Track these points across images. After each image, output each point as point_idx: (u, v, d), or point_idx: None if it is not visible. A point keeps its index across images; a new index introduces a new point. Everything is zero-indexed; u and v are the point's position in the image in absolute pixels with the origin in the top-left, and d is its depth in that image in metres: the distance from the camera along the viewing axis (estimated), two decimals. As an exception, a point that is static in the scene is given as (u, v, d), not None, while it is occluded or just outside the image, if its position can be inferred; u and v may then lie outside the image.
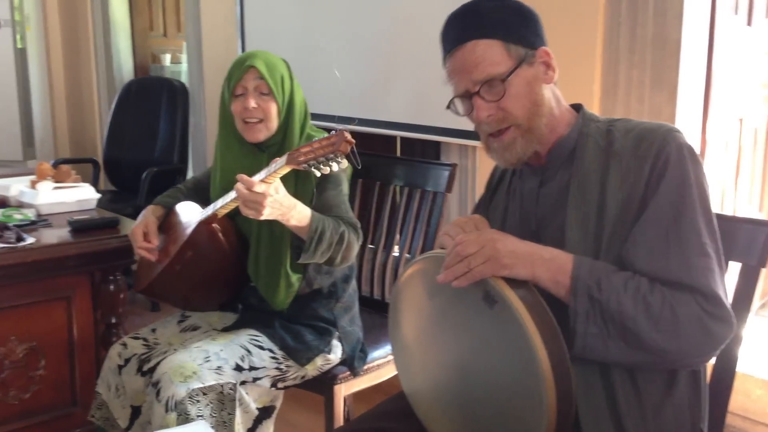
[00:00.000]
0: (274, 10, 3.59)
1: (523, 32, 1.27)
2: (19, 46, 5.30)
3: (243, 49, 3.84)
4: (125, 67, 5.28)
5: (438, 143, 3.10)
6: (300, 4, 3.44)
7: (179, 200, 2.07)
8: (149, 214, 2.00)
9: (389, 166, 2.32)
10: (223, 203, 1.82)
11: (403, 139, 3.31)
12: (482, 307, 1.17)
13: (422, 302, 1.29)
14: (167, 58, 5.37)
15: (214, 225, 1.86)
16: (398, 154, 3.33)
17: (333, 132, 1.61)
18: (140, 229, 1.96)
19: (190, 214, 1.96)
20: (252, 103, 1.86)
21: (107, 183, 4.24)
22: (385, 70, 3.13)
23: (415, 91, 3.02)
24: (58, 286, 2.17)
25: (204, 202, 2.10)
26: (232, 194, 1.75)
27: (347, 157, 1.61)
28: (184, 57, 5.22)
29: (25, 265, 2.05)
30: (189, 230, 1.88)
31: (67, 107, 5.52)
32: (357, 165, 1.63)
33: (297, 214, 1.71)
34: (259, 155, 1.92)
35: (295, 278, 1.87)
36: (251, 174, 1.73)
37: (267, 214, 1.66)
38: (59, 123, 5.49)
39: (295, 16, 3.47)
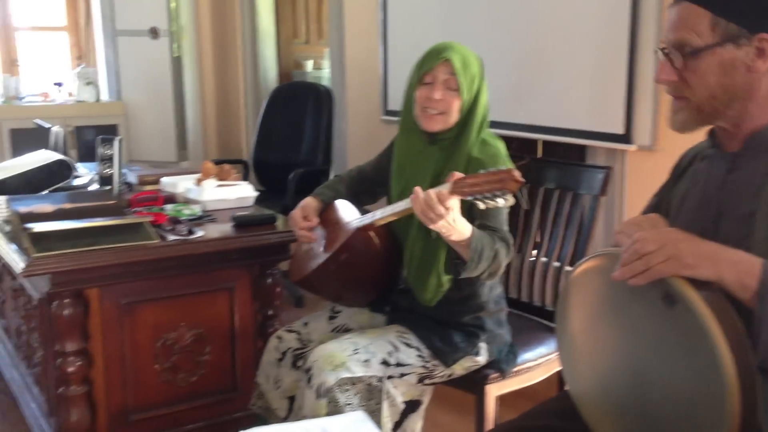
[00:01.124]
0: (418, 16, 3.65)
1: (746, 11, 1.19)
2: (175, 54, 5.65)
3: (385, 55, 3.93)
4: (270, 73, 5.53)
5: (583, 147, 3.05)
6: (443, 9, 3.49)
7: (339, 193, 2.13)
8: (307, 202, 2.09)
9: (540, 168, 2.31)
10: (392, 211, 1.82)
11: (544, 142, 3.28)
12: (660, 307, 1.14)
13: (595, 299, 1.28)
14: (309, 64, 5.58)
15: (371, 232, 1.89)
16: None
17: (501, 167, 1.60)
18: (300, 212, 2.05)
19: (348, 214, 2.02)
20: (437, 95, 1.86)
21: (255, 183, 4.45)
22: (528, 73, 3.12)
23: (560, 94, 2.99)
24: (223, 278, 2.31)
25: (365, 194, 2.18)
26: (400, 205, 1.77)
27: (514, 195, 1.58)
28: (325, 63, 5.40)
29: (195, 256, 2.20)
30: (346, 232, 1.93)
31: (216, 112, 5.85)
32: (525, 205, 1.62)
33: (458, 235, 1.70)
34: (429, 147, 1.93)
35: (445, 279, 1.88)
36: (418, 167, 1.75)
37: (434, 227, 1.68)
38: (209, 126, 5.82)
39: (438, 21, 3.52)
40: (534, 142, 3.28)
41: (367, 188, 2.18)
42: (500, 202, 1.58)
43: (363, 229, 1.90)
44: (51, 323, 2.12)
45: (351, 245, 1.90)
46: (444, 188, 1.63)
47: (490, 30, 3.23)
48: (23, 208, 2.23)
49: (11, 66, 5.79)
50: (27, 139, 5.07)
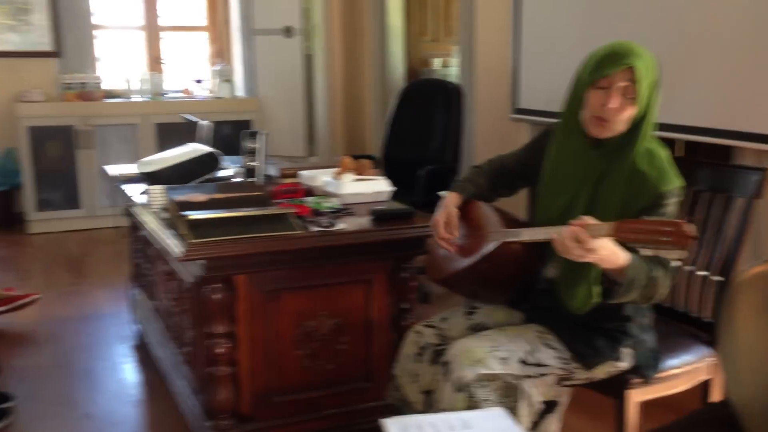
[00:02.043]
0: (555, 12, 3.59)
1: None
2: (307, 52, 5.83)
3: (516, 53, 3.90)
4: (397, 70, 5.60)
5: (727, 147, 2.92)
6: (583, 8, 3.42)
7: (480, 186, 2.11)
8: (450, 205, 2.08)
9: (689, 169, 2.23)
10: (544, 236, 1.74)
11: (686, 142, 3.16)
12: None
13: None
14: (437, 62, 5.60)
15: (516, 245, 1.86)
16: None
17: (671, 220, 1.53)
18: (442, 219, 2.06)
19: (492, 220, 1.99)
20: (614, 103, 1.73)
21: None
22: (670, 70, 3.00)
23: (705, 92, 2.87)
24: (361, 270, 2.37)
25: (505, 186, 2.15)
26: (554, 230, 1.68)
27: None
28: (453, 60, 5.41)
29: (336, 248, 2.27)
30: (490, 243, 1.90)
31: (344, 108, 5.98)
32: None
33: (610, 264, 1.64)
34: (590, 152, 1.84)
35: (596, 290, 1.80)
36: (575, 171, 1.73)
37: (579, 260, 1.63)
38: (337, 123, 5.97)
39: (577, 20, 3.45)
40: (671, 142, 3.16)
41: (507, 181, 2.15)
42: (663, 254, 1.50)
43: (508, 243, 1.87)
44: (202, 306, 2.25)
45: (494, 256, 1.88)
46: (602, 229, 1.57)
47: (631, 25, 3.14)
48: (179, 197, 2.38)
49: (156, 64, 6.16)
50: (171, 132, 5.39)
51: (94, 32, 5.84)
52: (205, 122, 3.19)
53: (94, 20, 5.81)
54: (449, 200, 2.10)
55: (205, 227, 2.17)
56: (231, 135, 4.84)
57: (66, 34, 5.60)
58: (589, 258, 1.61)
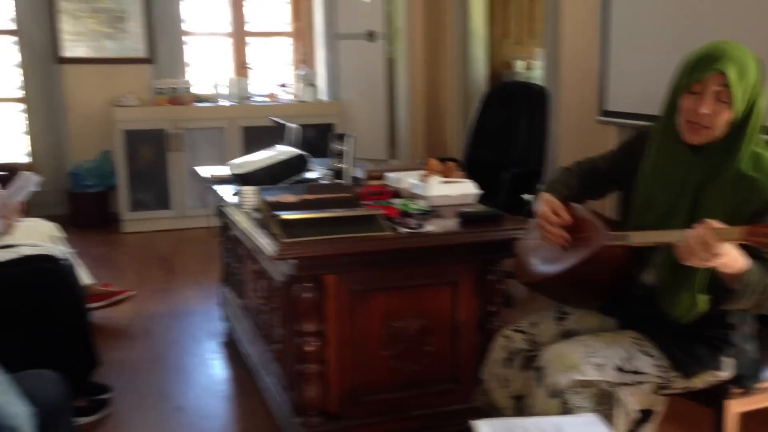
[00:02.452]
0: (647, 11, 3.50)
1: None
2: (389, 56, 5.88)
3: (604, 53, 3.82)
4: (479, 73, 5.58)
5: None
6: (678, 4, 3.32)
7: (572, 188, 2.06)
8: (552, 200, 1.99)
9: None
10: (656, 240, 1.71)
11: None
12: None
13: None
14: (520, 64, 5.55)
15: (619, 250, 1.82)
16: None
17: None
18: (548, 207, 1.97)
19: (591, 220, 1.93)
20: (705, 109, 1.70)
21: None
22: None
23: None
24: (448, 272, 2.37)
25: (595, 189, 2.11)
26: (669, 235, 1.65)
27: None
28: (536, 63, 5.35)
29: (424, 249, 2.28)
30: (592, 245, 1.86)
31: (424, 111, 6.00)
32: None
33: (731, 269, 1.59)
34: (691, 157, 1.79)
35: (702, 299, 1.74)
36: (675, 176, 1.70)
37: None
38: (418, 125, 5.99)
39: (671, 17, 3.36)
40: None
41: (598, 183, 2.10)
42: None
43: (611, 246, 1.82)
44: (292, 305, 2.30)
45: (595, 259, 1.83)
46: (733, 233, 1.52)
47: (731, 22, 3.03)
48: (271, 198, 2.44)
49: (242, 69, 6.33)
50: (256, 135, 5.52)
51: (185, 39, 6.05)
52: (293, 125, 3.26)
53: (184, 27, 6.02)
54: (547, 197, 2.05)
55: (297, 227, 2.22)
56: (314, 138, 4.92)
57: (158, 41, 5.82)
58: (713, 263, 1.56)
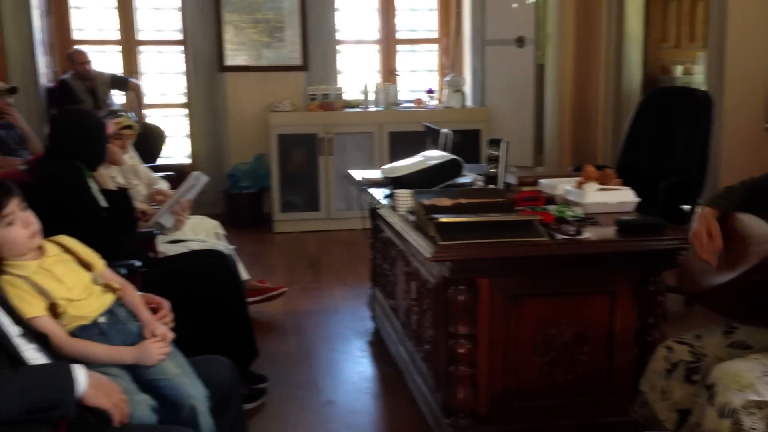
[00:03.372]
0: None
1: None
2: (538, 62, 5.81)
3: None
4: (634, 78, 5.39)
5: None
6: None
7: (735, 205, 2.00)
8: (710, 216, 1.98)
9: None
10: None
11: None
12: None
13: None
14: (679, 69, 5.32)
15: None
16: None
17: None
18: (704, 229, 1.95)
19: (757, 230, 1.87)
20: None
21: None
22: None
23: None
24: (605, 281, 2.32)
25: (759, 207, 2.00)
26: None
27: None
28: (696, 68, 5.11)
29: (581, 256, 2.24)
30: (760, 253, 1.78)
31: (572, 118, 5.87)
32: None
33: None
34: None
35: None
36: None
37: None
38: (565, 132, 5.87)
39: None
40: None
41: (762, 201, 2.01)
42: None
43: None
44: (445, 307, 2.33)
45: (765, 269, 1.76)
46: None
47: None
48: (426, 201, 2.48)
49: (391, 75, 6.46)
50: (403, 140, 5.62)
51: (337, 47, 6.26)
52: (446, 130, 3.29)
53: (337, 36, 6.23)
54: (706, 213, 1.99)
55: (453, 230, 2.25)
56: (460, 144, 4.93)
57: (313, 49, 6.06)
58: None
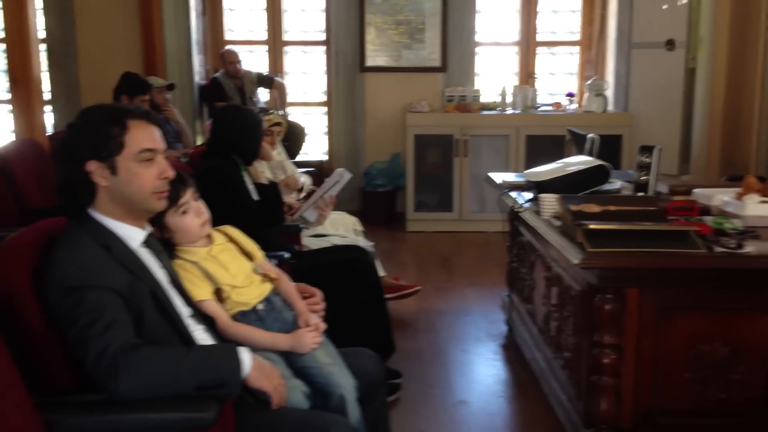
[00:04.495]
0: None
1: None
2: (690, 66, 5.56)
3: None
4: (794, 85, 5.05)
5: None
6: None
7: None
8: None
9: None
10: None
11: None
12: None
13: None
14: None
15: None
16: None
17: None
18: None
19: None
20: None
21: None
22: None
23: None
24: (766, 298, 2.20)
25: None
26: None
27: None
28: None
29: (741, 271, 2.14)
30: None
31: (723, 125, 5.57)
32: None
33: None
34: None
35: None
36: None
37: None
38: (715, 141, 5.58)
39: None
40: None
41: None
42: None
43: None
44: (590, 315, 2.29)
45: None
46: None
47: None
48: (573, 206, 2.44)
49: (529, 78, 6.38)
50: (540, 144, 5.55)
51: (475, 49, 6.26)
52: (591, 135, 3.23)
53: (476, 38, 6.22)
54: None
55: (603, 237, 2.21)
56: (600, 149, 4.81)
57: (451, 51, 6.09)
58: None
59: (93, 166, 1.68)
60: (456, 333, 3.73)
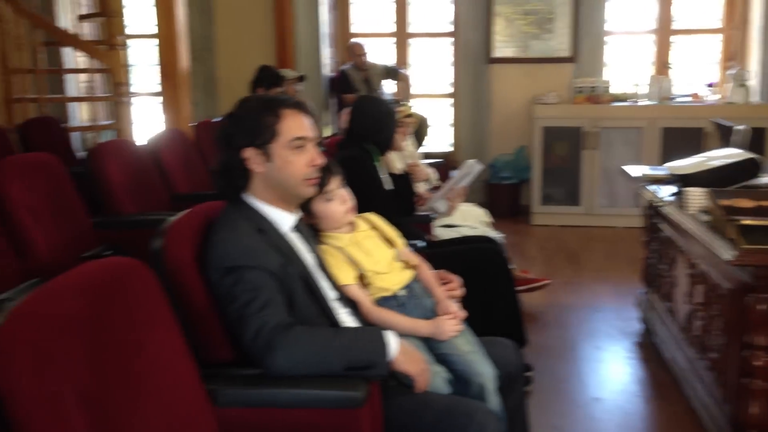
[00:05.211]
0: None
1: None
2: None
3: None
4: None
5: None
6: None
7: None
8: None
9: None
10: None
11: None
12: None
13: None
14: None
15: None
16: None
17: None
18: None
19: None
20: None
21: None
22: None
23: None
24: None
25: None
26: None
27: None
28: None
29: None
30: None
31: None
32: None
33: None
34: None
35: None
36: None
37: None
38: None
39: None
40: None
41: None
42: None
43: None
44: (741, 315, 2.18)
45: None
46: None
47: None
48: (724, 201, 2.33)
49: (663, 68, 6.12)
50: (676, 137, 5.32)
51: (606, 38, 6.07)
52: (741, 127, 3.06)
53: (606, 27, 6.03)
54: None
55: (758, 234, 2.10)
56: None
57: (582, 40, 5.93)
58: None
59: (249, 153, 1.76)
60: (588, 329, 3.65)
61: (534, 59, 6.01)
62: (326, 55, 6.39)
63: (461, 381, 1.94)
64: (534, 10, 5.92)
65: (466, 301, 2.21)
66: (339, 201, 2.02)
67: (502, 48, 6.06)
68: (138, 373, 1.39)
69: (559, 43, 5.95)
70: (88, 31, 5.78)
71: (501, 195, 6.07)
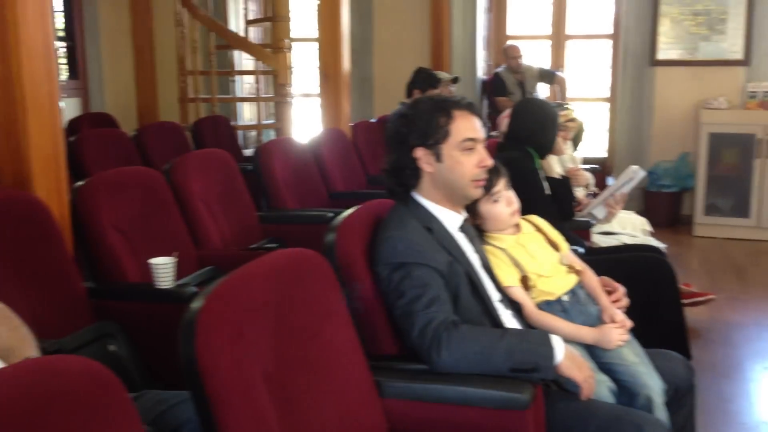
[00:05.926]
0: None
1: None
2: None
3: None
4: None
5: None
6: None
7: None
8: None
9: None
10: None
11: None
12: None
13: None
14: None
15: None
16: None
17: None
18: None
19: None
20: None
21: None
22: None
23: None
24: None
25: None
26: None
27: None
28: None
29: None
30: None
31: None
32: None
33: None
34: None
35: None
36: None
37: None
38: None
39: None
40: None
41: None
42: None
43: None
44: None
45: None
46: None
47: None
48: None
49: None
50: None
51: (785, 39, 5.65)
52: None
53: (786, 27, 5.62)
54: None
55: None
56: None
57: (757, 42, 5.56)
58: None
59: (420, 153, 1.80)
60: (757, 348, 3.41)
61: (702, 62, 5.69)
62: (480, 58, 6.38)
63: (626, 392, 1.87)
64: (705, 10, 5.61)
65: (628, 311, 2.14)
66: (505, 202, 2.02)
67: (668, 50, 5.79)
68: (313, 358, 1.46)
69: (731, 44, 5.60)
70: (253, 35, 6.12)
71: (660, 203, 5.79)
